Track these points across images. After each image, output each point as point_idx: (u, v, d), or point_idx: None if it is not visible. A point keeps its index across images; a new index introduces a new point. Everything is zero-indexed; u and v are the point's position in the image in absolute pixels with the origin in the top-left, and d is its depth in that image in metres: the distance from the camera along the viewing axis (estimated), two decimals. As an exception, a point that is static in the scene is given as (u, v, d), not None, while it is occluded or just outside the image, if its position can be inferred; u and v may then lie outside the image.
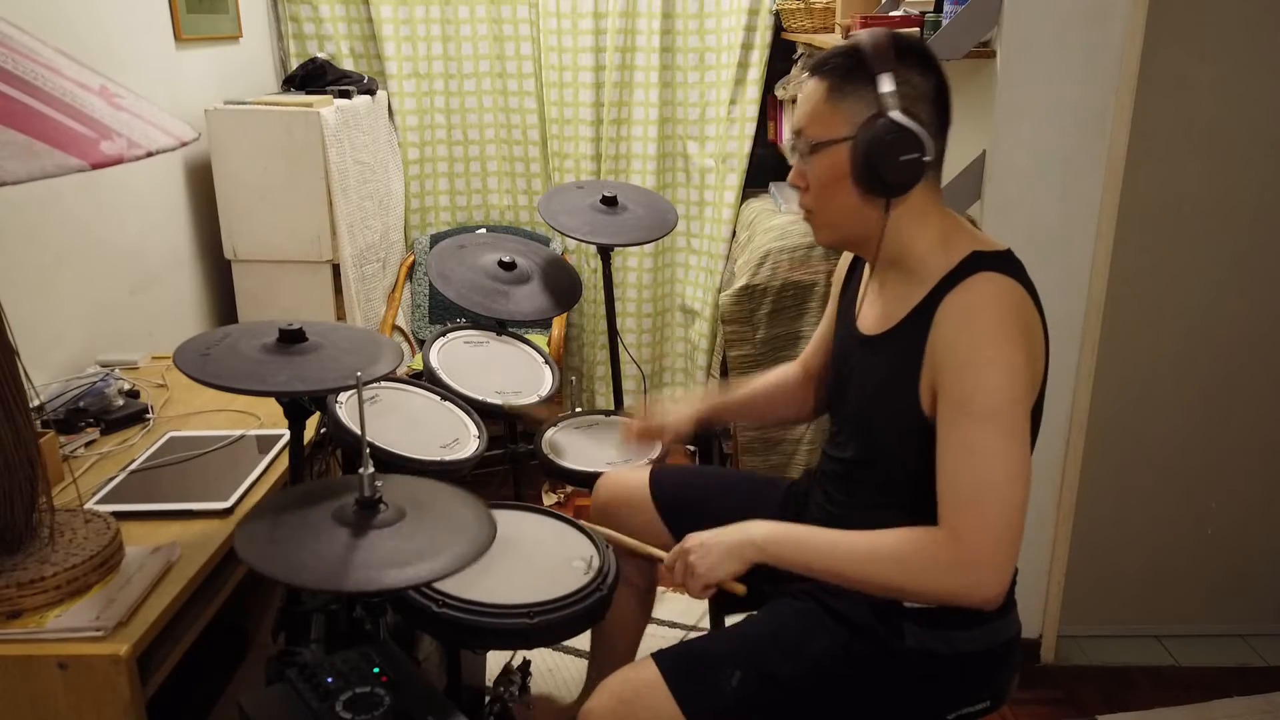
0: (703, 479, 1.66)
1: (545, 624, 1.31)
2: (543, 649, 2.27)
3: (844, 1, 2.59)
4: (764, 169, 3.23)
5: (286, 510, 1.17)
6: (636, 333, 3.43)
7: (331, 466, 1.84)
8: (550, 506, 2.37)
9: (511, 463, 2.02)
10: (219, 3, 2.68)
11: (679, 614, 2.42)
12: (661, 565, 1.34)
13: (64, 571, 1.24)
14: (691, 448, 3.29)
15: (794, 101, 2.77)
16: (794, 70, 3.06)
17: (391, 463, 1.54)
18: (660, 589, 1.75)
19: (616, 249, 2.37)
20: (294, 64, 3.06)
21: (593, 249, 2.81)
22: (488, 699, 1.69)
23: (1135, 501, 2.28)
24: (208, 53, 2.64)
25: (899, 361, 1.23)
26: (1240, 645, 2.34)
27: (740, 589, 1.28)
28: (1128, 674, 2.25)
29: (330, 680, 1.12)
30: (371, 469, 1.17)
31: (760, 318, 2.52)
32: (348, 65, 3.12)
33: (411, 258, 3.29)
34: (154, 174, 2.37)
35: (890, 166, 1.16)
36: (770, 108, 3.20)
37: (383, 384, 1.79)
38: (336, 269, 2.62)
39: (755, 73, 3.13)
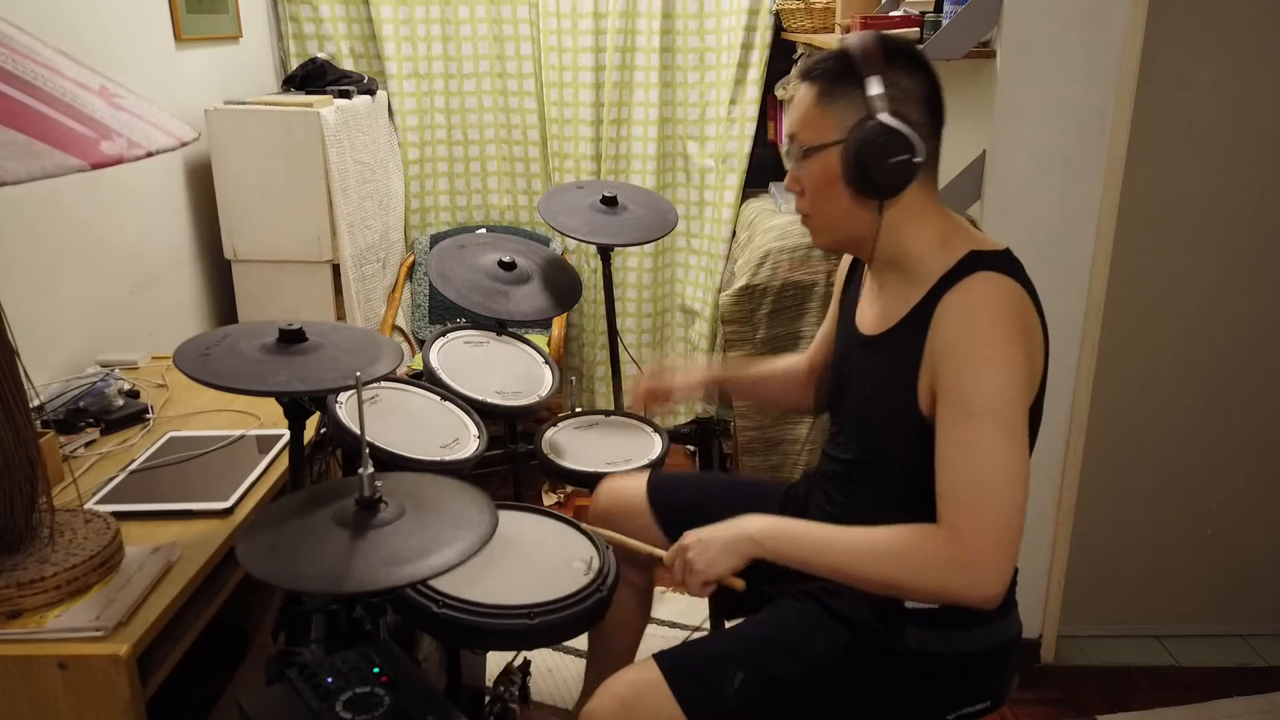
0: (700, 484, 1.66)
1: (545, 624, 1.31)
2: (543, 649, 2.27)
3: (844, 1, 2.59)
4: (764, 169, 3.23)
5: (287, 517, 1.17)
6: (636, 333, 3.43)
7: (331, 466, 1.84)
8: (550, 506, 2.37)
9: (511, 463, 2.02)
10: (219, 3, 2.68)
11: (680, 614, 2.42)
12: (662, 564, 1.34)
13: (64, 571, 1.24)
14: (691, 448, 3.29)
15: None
16: (794, 70, 3.06)
17: (391, 463, 1.54)
18: (660, 589, 1.75)
19: (616, 249, 2.37)
20: (294, 64, 3.06)
21: (593, 249, 2.81)
22: (488, 699, 1.69)
23: (1135, 501, 2.28)
24: (208, 53, 2.64)
25: (898, 361, 1.23)
26: (1240, 645, 2.34)
27: (739, 584, 1.28)
28: (1128, 674, 2.25)
29: (330, 680, 1.12)
30: (371, 469, 1.17)
31: (760, 318, 2.52)
32: (348, 65, 3.12)
33: (411, 258, 3.29)
34: (154, 174, 2.37)
35: (881, 168, 1.17)
36: (770, 108, 3.20)
37: (383, 384, 1.79)
38: (336, 269, 2.62)
39: (755, 73, 3.13)
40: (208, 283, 2.63)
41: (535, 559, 1.47)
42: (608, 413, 2.07)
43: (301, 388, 1.29)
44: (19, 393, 1.22)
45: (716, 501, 1.57)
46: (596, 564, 1.44)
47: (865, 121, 1.17)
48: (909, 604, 1.24)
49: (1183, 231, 2.11)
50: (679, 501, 1.60)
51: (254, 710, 1.11)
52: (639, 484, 1.63)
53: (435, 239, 3.29)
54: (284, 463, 1.64)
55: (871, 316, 1.32)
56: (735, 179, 3.22)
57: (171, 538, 1.39)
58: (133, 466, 1.61)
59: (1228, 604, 2.36)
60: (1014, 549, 1.12)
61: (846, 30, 2.43)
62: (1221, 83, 2.02)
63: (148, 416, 1.82)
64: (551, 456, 1.86)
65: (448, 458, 1.62)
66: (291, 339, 1.37)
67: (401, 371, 2.27)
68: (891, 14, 2.27)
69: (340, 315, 2.68)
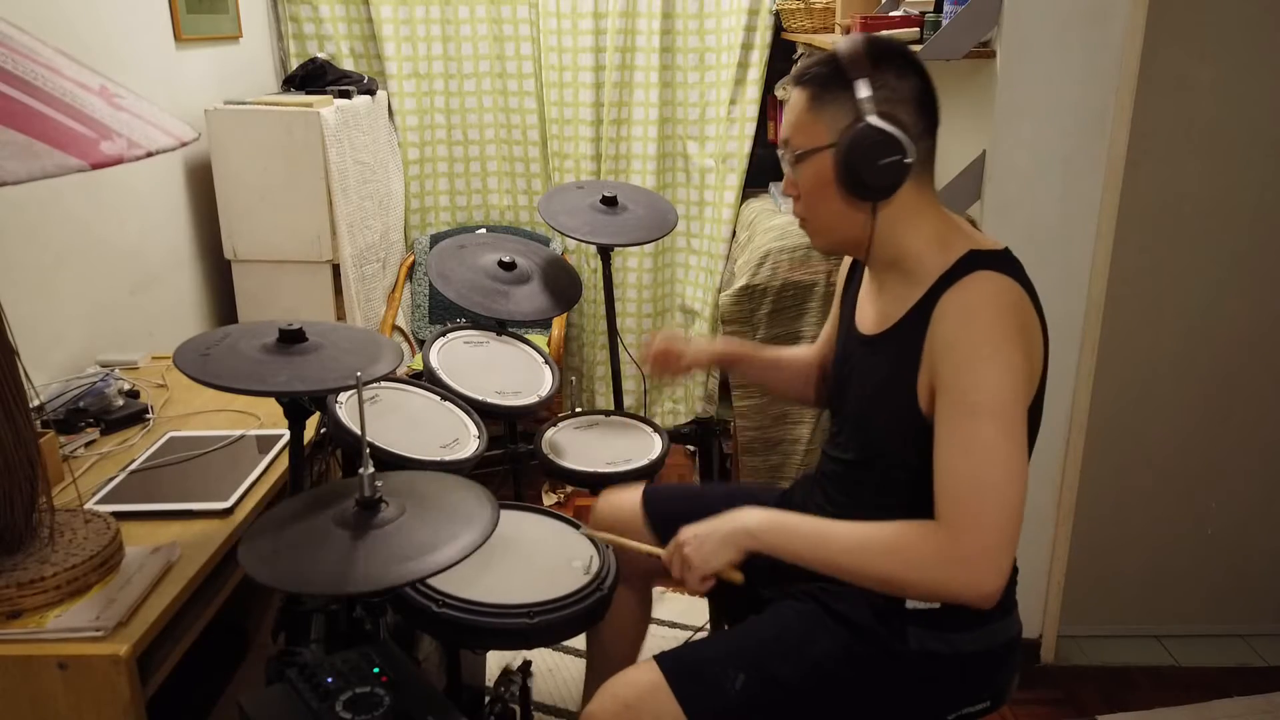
0: (695, 495, 1.65)
1: (545, 624, 1.31)
2: (543, 649, 2.27)
3: (844, 1, 2.59)
4: (764, 169, 3.23)
5: (289, 521, 1.17)
6: (636, 333, 3.43)
7: (331, 466, 1.84)
8: (550, 506, 2.37)
9: (511, 463, 2.02)
10: (219, 3, 2.68)
11: (680, 615, 2.42)
12: (660, 563, 1.34)
13: (64, 571, 1.24)
14: (691, 448, 3.29)
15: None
16: (794, 70, 3.06)
17: (391, 463, 1.54)
18: (659, 590, 1.75)
19: (616, 249, 2.37)
20: (294, 64, 3.06)
21: (593, 249, 2.81)
22: (488, 699, 1.69)
23: (1135, 501, 2.28)
24: (208, 53, 2.64)
25: (897, 361, 1.23)
26: (1240, 645, 2.34)
27: (738, 577, 1.27)
28: (1128, 674, 2.25)
29: (330, 680, 1.13)
30: (371, 469, 1.17)
31: (760, 318, 2.52)
32: (348, 65, 3.12)
33: (411, 258, 3.29)
34: (154, 174, 2.37)
35: (871, 170, 1.18)
36: (770, 108, 3.20)
37: (383, 384, 1.79)
38: (336, 269, 2.62)
39: (755, 73, 3.13)
40: (208, 283, 2.63)
41: (535, 559, 1.47)
42: (608, 413, 2.07)
43: (301, 388, 1.29)
44: (19, 393, 1.22)
45: (711, 511, 1.57)
46: (596, 563, 1.45)
47: (855, 124, 1.18)
48: (910, 605, 1.24)
49: (1183, 231, 2.11)
50: (674, 513, 1.59)
51: (254, 710, 1.11)
52: (633, 498, 1.63)
53: (435, 239, 3.29)
54: (284, 463, 1.64)
55: (871, 316, 1.32)
56: (735, 179, 3.22)
57: (171, 538, 1.39)
58: (133, 466, 1.61)
59: (1228, 604, 2.36)
60: (1012, 547, 1.12)
61: (846, 30, 2.43)
62: (1221, 83, 2.02)
63: (148, 416, 1.82)
64: (551, 456, 1.86)
65: (448, 458, 1.62)
66: (291, 339, 1.37)
67: (401, 371, 2.27)
68: (891, 14, 2.27)
69: (340, 315, 2.68)
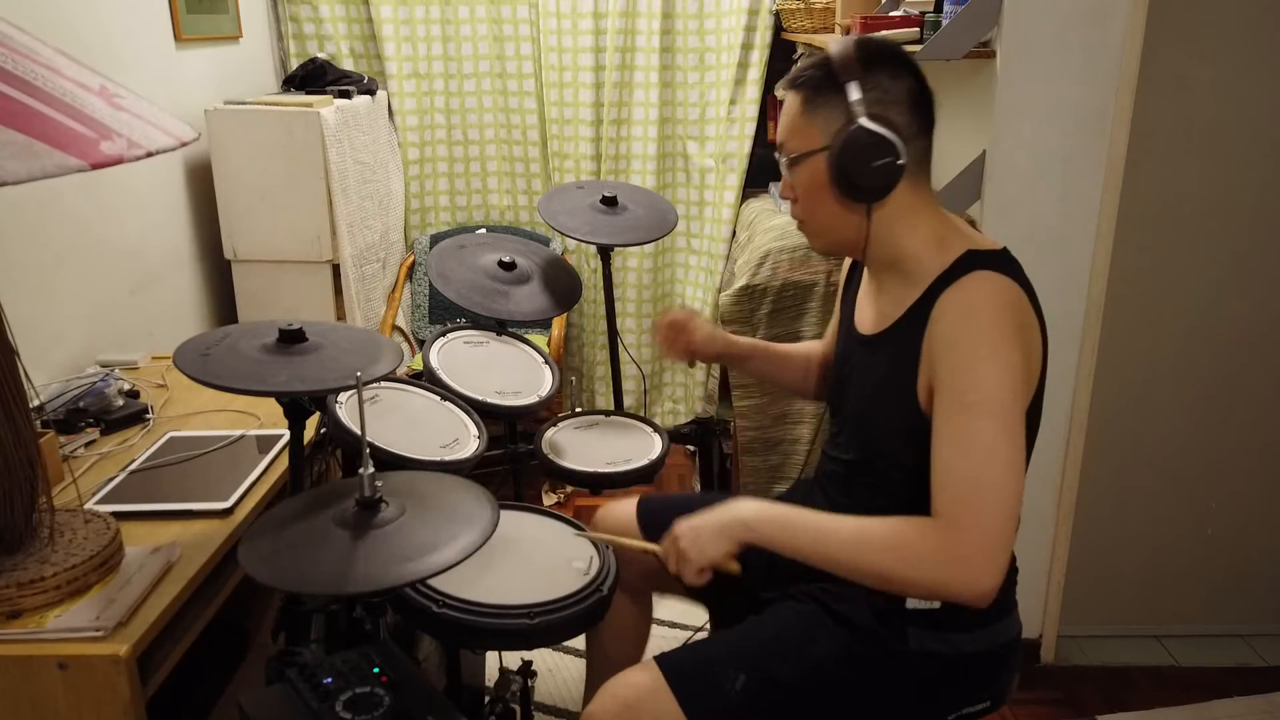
0: (690, 505, 1.64)
1: (545, 624, 1.31)
2: (543, 649, 2.27)
3: (844, 1, 2.59)
4: (764, 169, 3.23)
5: (288, 521, 1.17)
6: (636, 333, 3.43)
7: (331, 466, 1.84)
8: (550, 506, 2.37)
9: (511, 463, 2.02)
10: (219, 3, 2.68)
11: (680, 615, 2.42)
12: (658, 559, 1.33)
13: (64, 571, 1.24)
14: (691, 448, 3.29)
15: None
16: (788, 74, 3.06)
17: (391, 463, 1.54)
18: (657, 593, 1.75)
19: (616, 249, 2.37)
20: (294, 64, 3.06)
21: (593, 249, 2.81)
22: (488, 699, 1.69)
23: (1135, 501, 2.28)
24: (208, 53, 2.64)
25: (896, 360, 1.23)
26: (1240, 645, 2.34)
27: (735, 567, 1.26)
28: (1128, 674, 2.25)
29: (330, 680, 1.13)
30: (371, 469, 1.17)
31: (760, 318, 2.52)
32: (348, 65, 3.12)
33: (411, 258, 3.29)
34: (154, 174, 2.37)
35: (864, 172, 1.18)
36: (770, 108, 3.20)
37: (383, 384, 1.79)
38: (336, 269, 2.62)
39: (755, 73, 3.13)
40: (208, 283, 2.63)
41: (535, 559, 1.47)
42: (608, 413, 2.07)
43: (301, 388, 1.29)
44: (19, 393, 1.22)
45: None
46: (596, 564, 1.44)
47: (847, 127, 1.18)
48: (910, 605, 1.24)
49: (1183, 231, 2.11)
50: (670, 523, 1.59)
51: (254, 710, 1.11)
52: (628, 509, 1.63)
53: (435, 239, 3.29)
54: (284, 463, 1.64)
55: (870, 316, 1.32)
56: (735, 179, 3.22)
57: (171, 538, 1.39)
58: (133, 466, 1.61)
59: (1228, 604, 2.36)
60: (1009, 547, 1.12)
61: (846, 31, 2.43)
62: (1221, 83, 2.02)
63: (148, 416, 1.82)
64: (551, 456, 1.86)
65: (448, 458, 1.62)
66: (291, 339, 1.37)
67: (401, 371, 2.27)
68: (891, 14, 2.27)
69: (340, 315, 2.68)
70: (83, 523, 1.35)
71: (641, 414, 2.07)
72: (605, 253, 2.23)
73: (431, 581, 1.31)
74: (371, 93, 2.93)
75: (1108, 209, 1.98)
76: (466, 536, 1.14)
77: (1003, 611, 1.29)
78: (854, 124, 1.17)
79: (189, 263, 2.54)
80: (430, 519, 1.17)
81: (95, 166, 1.03)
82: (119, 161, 1.07)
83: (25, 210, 1.89)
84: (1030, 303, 1.20)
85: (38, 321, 1.93)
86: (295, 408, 1.42)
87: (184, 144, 1.20)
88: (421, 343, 3.16)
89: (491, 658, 1.94)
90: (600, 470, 1.82)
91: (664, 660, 1.27)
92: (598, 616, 1.39)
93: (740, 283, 2.55)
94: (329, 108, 2.54)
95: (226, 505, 1.49)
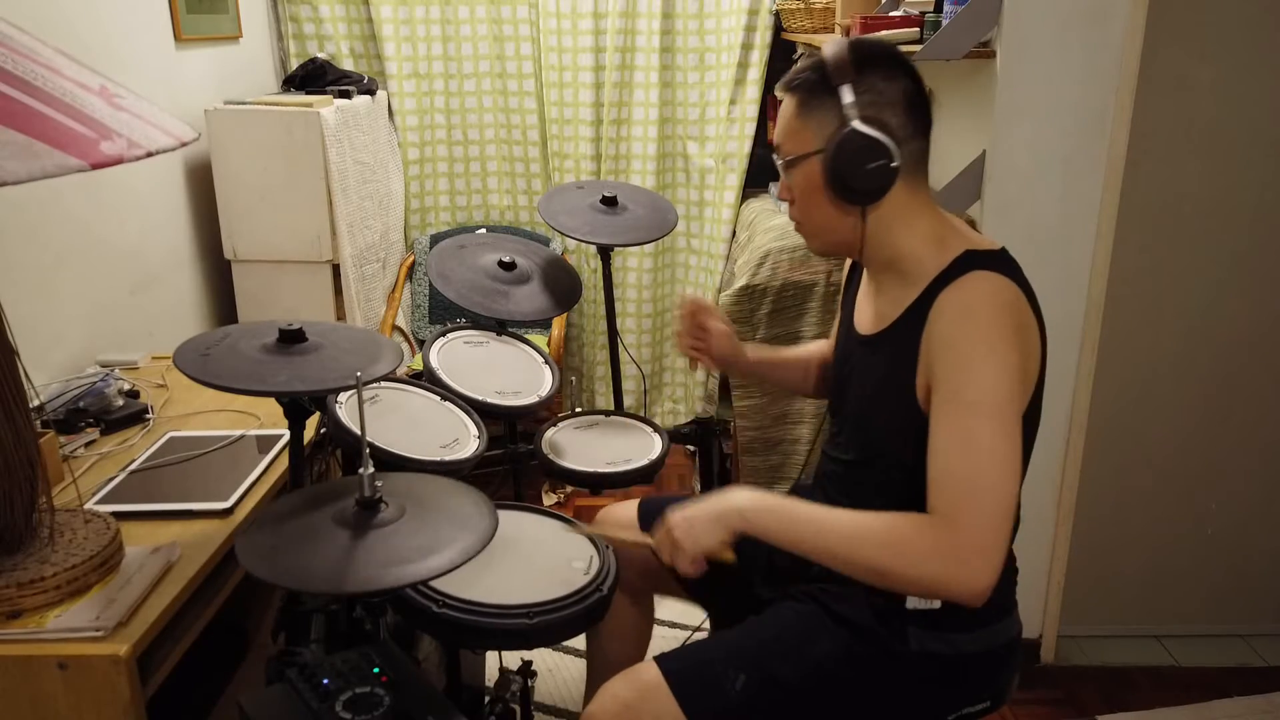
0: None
1: (545, 624, 1.31)
2: (543, 649, 2.27)
3: (844, 1, 2.59)
4: (764, 169, 3.23)
5: (287, 517, 1.17)
6: (636, 333, 3.43)
7: (331, 466, 1.84)
8: (550, 506, 2.37)
9: (511, 463, 2.02)
10: (219, 3, 2.68)
11: (680, 614, 2.42)
12: (653, 546, 1.31)
13: (64, 571, 1.24)
14: (691, 448, 3.29)
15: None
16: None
17: (391, 463, 1.54)
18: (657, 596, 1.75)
19: (616, 249, 2.37)
20: (294, 64, 3.06)
21: (593, 249, 2.81)
22: (488, 699, 1.69)
23: (1135, 501, 2.28)
24: (208, 53, 2.64)
25: (895, 360, 1.23)
26: (1240, 645, 2.34)
27: (730, 556, 1.24)
28: (1128, 674, 2.25)
29: (330, 680, 1.12)
30: (371, 469, 1.17)
31: (760, 318, 2.52)
32: (348, 65, 3.12)
33: (411, 258, 3.29)
34: (154, 174, 2.37)
35: (857, 175, 1.18)
36: (770, 108, 3.20)
37: (383, 384, 1.79)
38: (336, 269, 2.62)
39: (755, 73, 3.13)
40: (208, 283, 2.63)
41: (535, 559, 1.47)
42: (608, 413, 2.07)
43: (301, 388, 1.29)
44: (19, 393, 1.22)
45: None
46: (596, 564, 1.44)
47: (840, 130, 1.18)
48: (910, 605, 1.24)
49: (1183, 231, 2.11)
50: None
51: (254, 710, 1.11)
52: (629, 510, 1.63)
53: (435, 239, 3.29)
54: (284, 463, 1.64)
55: (869, 317, 1.33)
56: (735, 179, 3.22)
57: (171, 538, 1.39)
58: (133, 466, 1.61)
59: (1228, 604, 2.36)
60: (1005, 546, 1.11)
61: (846, 31, 2.42)
62: (1221, 83, 2.02)
63: (148, 416, 1.82)
64: (551, 456, 1.86)
65: (448, 458, 1.62)
66: (291, 339, 1.37)
67: (401, 371, 2.27)
68: (891, 14, 2.27)
69: (340, 315, 2.68)
70: (83, 523, 1.35)
71: (641, 414, 2.06)
72: (605, 253, 2.23)
73: (431, 581, 1.31)
74: (371, 93, 2.93)
75: (1108, 209, 1.98)
76: (465, 541, 1.14)
77: (1003, 612, 1.29)
78: (847, 127, 1.18)
79: (189, 263, 2.54)
80: (429, 521, 1.17)
81: (95, 166, 1.03)
82: (119, 161, 1.07)
83: (25, 210, 1.89)
84: (1029, 303, 1.20)
85: (38, 321, 1.93)
86: (295, 408, 1.42)
87: (184, 144, 1.20)
88: (421, 343, 3.16)
89: (491, 658, 1.94)
90: (600, 470, 1.82)
91: (664, 660, 1.26)
92: (598, 616, 1.39)
93: (740, 283, 2.55)
94: (329, 108, 2.54)
95: (226, 505, 1.49)
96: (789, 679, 1.25)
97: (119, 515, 1.42)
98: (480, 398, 1.82)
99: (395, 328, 3.07)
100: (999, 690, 1.31)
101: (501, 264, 2.06)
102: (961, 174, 2.00)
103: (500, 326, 2.08)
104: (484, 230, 3.31)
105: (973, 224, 2.00)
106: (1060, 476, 2.15)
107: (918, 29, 2.09)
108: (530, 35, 3.18)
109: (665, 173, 3.33)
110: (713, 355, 1.59)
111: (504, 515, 1.57)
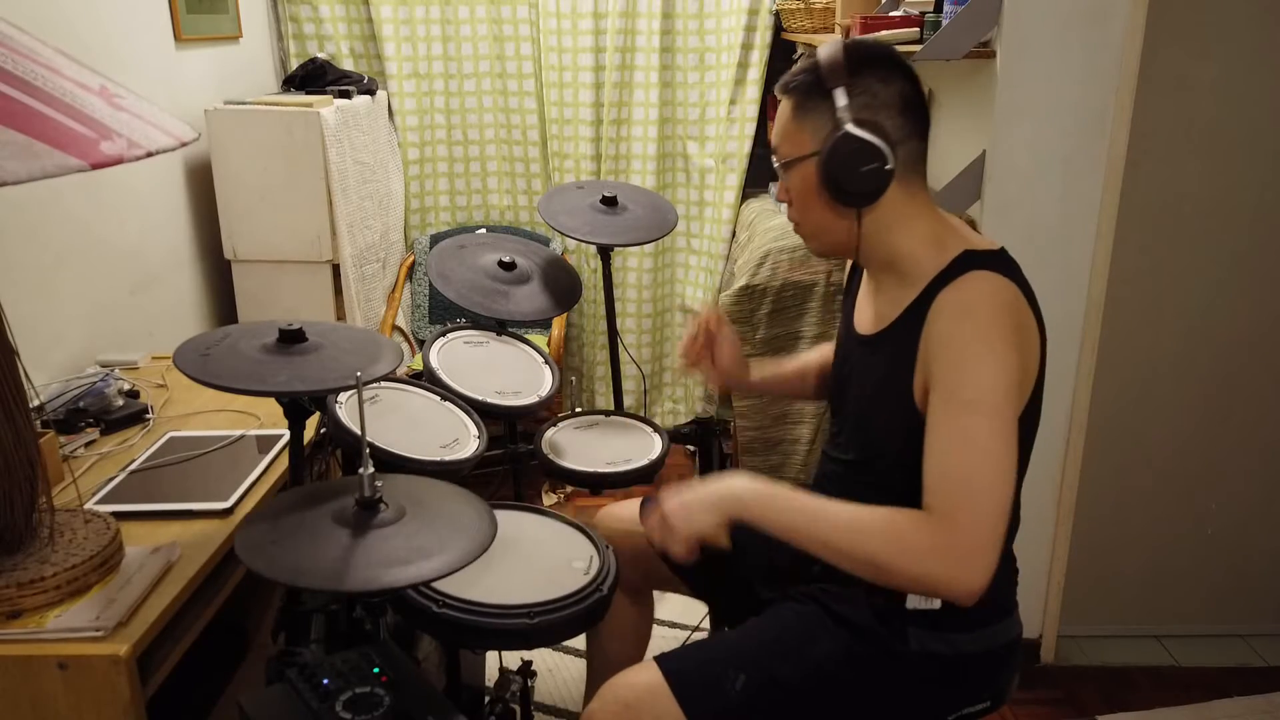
0: None
1: (545, 624, 1.31)
2: (544, 649, 2.27)
3: (844, 1, 2.59)
4: (764, 169, 3.23)
5: (286, 512, 1.17)
6: (636, 333, 3.43)
7: (331, 466, 1.84)
8: (550, 506, 2.37)
9: (511, 463, 2.02)
10: (219, 3, 2.68)
11: (680, 614, 2.42)
12: (644, 529, 1.29)
13: (64, 571, 1.24)
14: (691, 448, 3.29)
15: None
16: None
17: (391, 463, 1.54)
18: (658, 593, 1.75)
19: (616, 249, 2.37)
20: (294, 64, 3.06)
21: (593, 249, 2.81)
22: (488, 699, 1.69)
23: (1135, 501, 2.28)
24: (208, 53, 2.64)
25: (894, 360, 1.23)
26: (1240, 645, 2.34)
27: (724, 541, 1.22)
28: (1128, 674, 2.25)
29: (330, 680, 1.12)
30: (371, 469, 1.17)
31: (760, 318, 2.52)
32: (348, 65, 3.12)
33: (411, 258, 3.29)
34: (154, 174, 2.37)
35: (852, 178, 1.19)
36: (770, 108, 3.20)
37: (383, 384, 1.79)
38: (336, 269, 2.62)
39: (755, 73, 3.13)
40: (208, 283, 2.63)
41: (535, 559, 1.47)
42: (608, 413, 2.07)
43: (301, 388, 1.29)
44: (19, 393, 1.22)
45: None
46: (596, 564, 1.44)
47: (834, 133, 1.18)
48: (910, 605, 1.24)
49: (1183, 231, 2.11)
50: None
51: (254, 710, 1.11)
52: (630, 510, 1.63)
53: (435, 239, 3.29)
54: (284, 463, 1.64)
55: (869, 317, 1.33)
56: (735, 179, 3.22)
57: (171, 538, 1.39)
58: (133, 466, 1.61)
59: (1228, 604, 2.36)
60: (1000, 545, 1.11)
61: (847, 31, 2.42)
62: (1221, 83, 2.02)
63: (148, 416, 1.82)
64: (551, 456, 1.86)
65: (448, 458, 1.62)
66: (291, 339, 1.37)
67: (401, 371, 2.27)
68: (891, 14, 2.27)
69: (340, 315, 2.68)
70: (83, 523, 1.35)
71: (641, 414, 2.07)
72: (605, 253, 2.23)
73: (431, 581, 1.31)
74: (371, 93, 2.93)
75: (1108, 209, 1.98)
76: (464, 544, 1.14)
77: (1003, 612, 1.29)
78: (841, 130, 1.18)
79: (189, 263, 2.54)
80: (429, 523, 1.17)
81: (95, 166, 1.03)
82: (119, 161, 1.07)
83: (25, 210, 1.89)
84: (1028, 303, 1.20)
85: (38, 321, 1.93)
86: (295, 408, 1.42)
87: (184, 144, 1.20)
88: (421, 343, 3.16)
89: (491, 658, 1.94)
90: (600, 470, 1.82)
91: (664, 660, 1.26)
92: (598, 616, 1.39)
93: (740, 283, 2.55)
94: (329, 108, 2.54)
95: (226, 505, 1.49)
96: (789, 679, 1.25)
97: (119, 515, 1.42)
98: (480, 398, 1.82)
99: (395, 328, 3.07)
100: (999, 690, 1.31)
101: (501, 264, 2.06)
102: (961, 174, 2.00)
103: (500, 326, 2.08)
104: (484, 230, 3.31)
105: (973, 224, 2.00)
106: (1060, 476, 2.15)
107: (918, 29, 2.09)
108: (530, 35, 3.18)
109: (665, 173, 3.33)
110: (718, 368, 1.57)
111: (504, 515, 1.57)
